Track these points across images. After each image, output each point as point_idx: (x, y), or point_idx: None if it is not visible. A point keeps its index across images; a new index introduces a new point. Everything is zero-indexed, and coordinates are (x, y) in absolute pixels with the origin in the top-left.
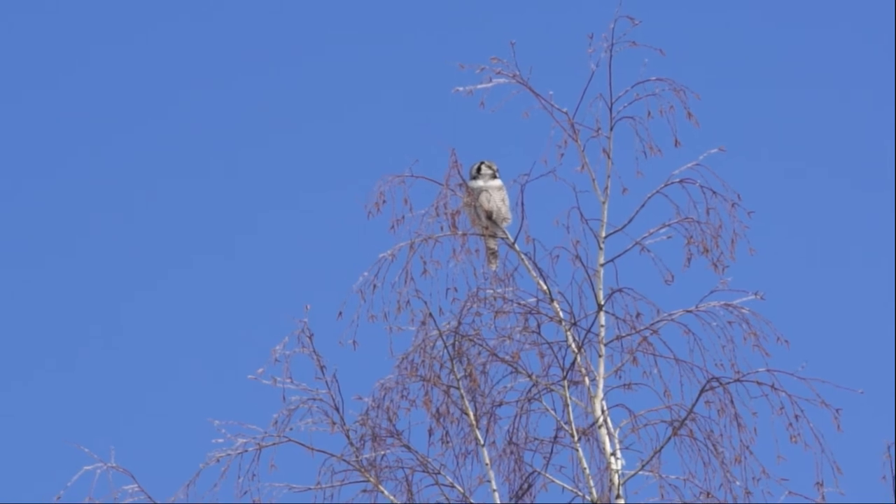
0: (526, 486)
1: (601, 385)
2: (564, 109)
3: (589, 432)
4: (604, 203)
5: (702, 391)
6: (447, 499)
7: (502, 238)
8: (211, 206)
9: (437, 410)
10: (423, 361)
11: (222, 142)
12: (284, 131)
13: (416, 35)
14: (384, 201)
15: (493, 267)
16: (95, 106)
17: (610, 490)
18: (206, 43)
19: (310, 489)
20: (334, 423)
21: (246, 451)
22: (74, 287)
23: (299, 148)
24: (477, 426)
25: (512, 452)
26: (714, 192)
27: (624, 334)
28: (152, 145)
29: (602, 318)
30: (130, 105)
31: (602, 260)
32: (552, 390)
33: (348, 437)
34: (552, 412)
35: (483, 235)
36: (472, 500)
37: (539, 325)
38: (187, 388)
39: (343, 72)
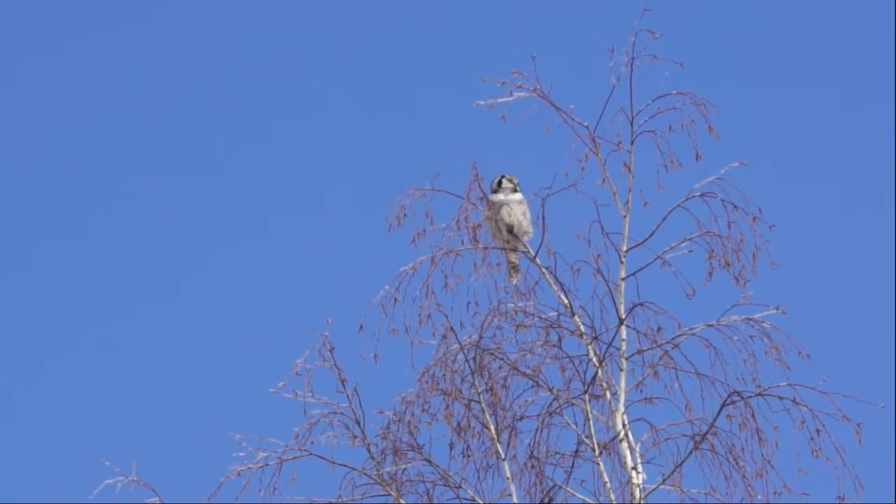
0: (547, 500)
1: (622, 399)
2: (585, 123)
3: (610, 446)
4: (625, 217)
5: (723, 405)
6: None
7: (523, 252)
8: (212, 206)
9: (458, 424)
10: (444, 375)
11: (223, 142)
12: (285, 131)
13: (420, 36)
14: (405, 215)
15: (515, 281)
16: (95, 105)
17: None
18: (207, 43)
19: (331, 503)
20: (355, 437)
21: (267, 464)
22: (74, 287)
23: (299, 148)
24: (498, 440)
25: (533, 466)
26: (735, 206)
27: (645, 348)
28: (153, 145)
29: (623, 332)
30: (131, 104)
31: (623, 274)
32: (573, 404)
33: (369, 450)
34: (573, 426)
35: (504, 249)
36: None
37: (560, 339)
38: (187, 387)
39: (344, 72)
